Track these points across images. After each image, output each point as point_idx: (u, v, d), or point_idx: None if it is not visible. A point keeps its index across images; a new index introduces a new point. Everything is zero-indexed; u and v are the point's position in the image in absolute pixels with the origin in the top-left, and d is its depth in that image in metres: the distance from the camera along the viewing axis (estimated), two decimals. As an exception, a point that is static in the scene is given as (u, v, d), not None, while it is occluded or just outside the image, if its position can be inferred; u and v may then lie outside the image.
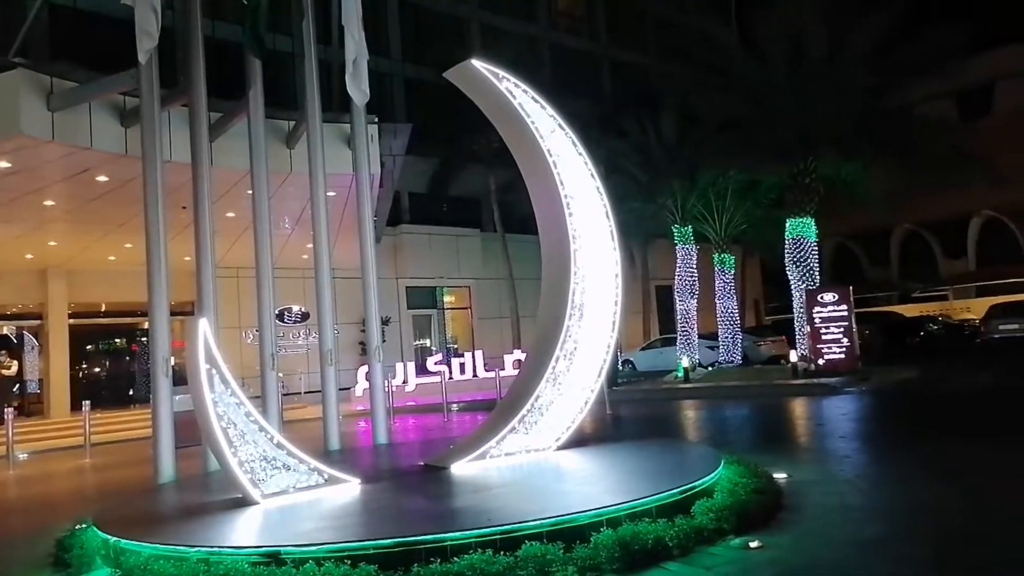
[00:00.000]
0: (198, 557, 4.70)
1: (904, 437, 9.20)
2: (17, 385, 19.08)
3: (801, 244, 18.38)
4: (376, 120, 13.67)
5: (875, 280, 39.51)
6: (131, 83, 9.72)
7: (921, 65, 17.53)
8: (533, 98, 7.39)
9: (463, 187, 26.56)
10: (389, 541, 4.58)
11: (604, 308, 7.36)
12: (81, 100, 10.65)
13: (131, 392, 20.82)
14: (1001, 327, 24.20)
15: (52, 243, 16.57)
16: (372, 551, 4.51)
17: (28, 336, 20.32)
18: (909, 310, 31.16)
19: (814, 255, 18.42)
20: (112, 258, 18.20)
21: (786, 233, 18.58)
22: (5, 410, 13.32)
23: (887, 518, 5.41)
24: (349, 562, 4.39)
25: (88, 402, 14.26)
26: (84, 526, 5.89)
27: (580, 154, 7.49)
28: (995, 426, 9.37)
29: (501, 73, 7.31)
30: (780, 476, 6.62)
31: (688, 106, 20.47)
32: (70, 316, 19.55)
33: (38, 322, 19.81)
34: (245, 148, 10.46)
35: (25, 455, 13.58)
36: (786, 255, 18.68)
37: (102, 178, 12.25)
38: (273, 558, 4.54)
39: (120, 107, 11.15)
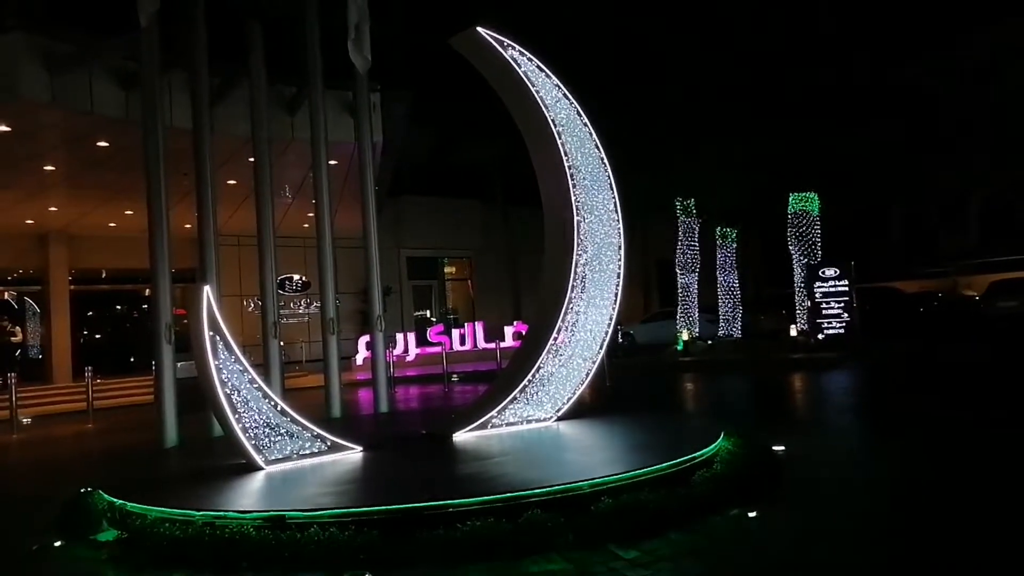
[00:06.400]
0: (204, 520, 4.76)
1: (901, 411, 9.25)
2: (19, 350, 19.13)
3: (803, 218, 18.32)
4: (379, 88, 13.53)
5: (876, 256, 39.34)
6: (132, 47, 9.61)
7: (925, 38, 17.37)
8: (538, 67, 7.30)
9: (466, 157, 26.35)
10: (392, 507, 4.63)
11: (607, 280, 7.36)
12: (81, 64, 10.53)
13: (132, 359, 20.88)
14: (1001, 304, 24.15)
15: (52, 208, 16.51)
16: (375, 517, 4.56)
17: (29, 302, 20.35)
18: (910, 287, 31.08)
19: (816, 230, 18.37)
20: (113, 224, 18.15)
21: (788, 207, 18.51)
22: (8, 375, 13.37)
23: (883, 490, 5.47)
24: (353, 527, 4.44)
25: (90, 368, 14.35)
26: (90, 489, 5.94)
27: (585, 124, 7.42)
28: (993, 401, 9.43)
29: (506, 41, 7.20)
30: (778, 448, 6.68)
31: (691, 77, 20.27)
32: (71, 282, 19.56)
33: (38, 288, 19.83)
34: (246, 114, 10.39)
35: (28, 420, 13.65)
36: (788, 229, 18.64)
37: (103, 143, 12.16)
38: (277, 522, 4.59)
39: (121, 71, 11.03)
